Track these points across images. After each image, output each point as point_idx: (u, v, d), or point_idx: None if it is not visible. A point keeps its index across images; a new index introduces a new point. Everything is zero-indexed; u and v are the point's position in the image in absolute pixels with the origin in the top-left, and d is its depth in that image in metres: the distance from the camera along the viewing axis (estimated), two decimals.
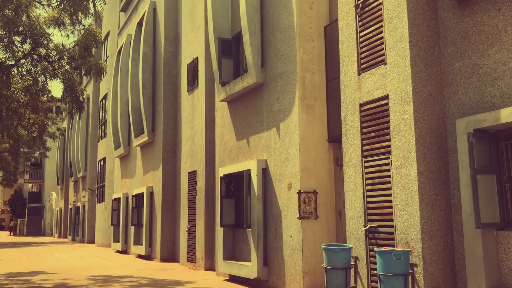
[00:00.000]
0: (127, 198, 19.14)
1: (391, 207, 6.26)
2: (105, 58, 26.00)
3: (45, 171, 49.02)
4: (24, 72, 10.01)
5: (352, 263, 6.72)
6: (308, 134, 8.40)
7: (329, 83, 8.68)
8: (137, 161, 18.20)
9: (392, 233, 6.21)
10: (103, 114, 25.96)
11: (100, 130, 26.56)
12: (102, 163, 25.49)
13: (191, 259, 13.03)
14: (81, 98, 11.31)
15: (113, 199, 20.62)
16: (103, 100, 26.17)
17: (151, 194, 16.17)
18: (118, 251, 19.57)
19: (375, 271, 6.38)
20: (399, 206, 6.11)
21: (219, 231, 10.58)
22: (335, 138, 8.51)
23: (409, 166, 6.01)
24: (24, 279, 10.88)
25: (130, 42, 19.24)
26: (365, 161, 6.73)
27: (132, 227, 17.55)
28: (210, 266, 12.22)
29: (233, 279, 10.10)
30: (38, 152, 38.07)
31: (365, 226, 6.61)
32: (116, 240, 20.16)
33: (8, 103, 9.98)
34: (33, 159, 37.64)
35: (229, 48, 11.04)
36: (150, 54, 16.82)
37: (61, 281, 10.52)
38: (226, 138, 11.04)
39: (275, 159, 8.98)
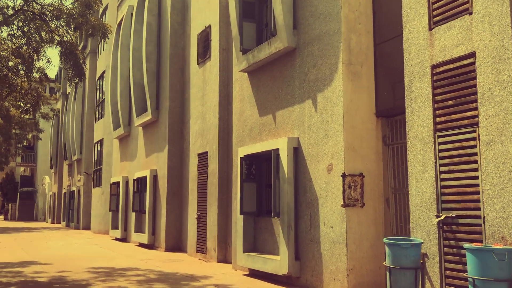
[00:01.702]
0: (127, 182, 17.78)
1: (477, 193, 4.98)
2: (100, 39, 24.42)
3: (38, 154, 47.44)
4: (15, 31, 8.59)
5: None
6: (353, 106, 7.07)
7: (377, 47, 7.34)
8: (139, 142, 16.82)
9: (480, 225, 4.94)
10: (100, 95, 24.48)
11: (97, 112, 25.08)
12: (99, 145, 24.06)
13: (201, 249, 11.76)
14: (81, 63, 9.87)
15: (111, 183, 19.26)
16: (100, 79, 24.66)
17: (154, 178, 14.82)
18: (117, 239, 18.27)
19: (451, 272, 5.12)
20: (490, 192, 4.83)
21: (238, 220, 9.28)
22: (384, 112, 7.20)
23: (506, 141, 4.71)
24: (14, 271, 9.56)
25: (132, 14, 17.74)
26: (439, 136, 5.42)
27: (133, 214, 16.24)
28: (224, 258, 10.96)
29: (254, 274, 8.84)
30: (30, 134, 36.50)
31: (438, 216, 5.34)
32: (114, 227, 18.84)
33: None
34: (25, 142, 36.09)
35: (252, 10, 9.65)
36: (154, 25, 15.35)
37: (57, 273, 9.21)
38: (246, 114, 9.70)
39: (310, 137, 7.66)
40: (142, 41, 15.66)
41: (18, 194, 46.94)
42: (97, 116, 25.12)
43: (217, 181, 11.20)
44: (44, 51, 9.19)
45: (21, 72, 9.23)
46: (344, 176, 6.83)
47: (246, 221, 9.18)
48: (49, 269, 9.87)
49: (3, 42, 8.87)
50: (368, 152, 7.12)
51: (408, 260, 5.15)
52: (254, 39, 9.55)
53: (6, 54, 8.82)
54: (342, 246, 6.78)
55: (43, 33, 8.84)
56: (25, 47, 8.87)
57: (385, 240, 5.43)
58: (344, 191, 6.81)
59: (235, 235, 9.73)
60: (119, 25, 19.48)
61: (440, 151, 5.40)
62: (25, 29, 8.65)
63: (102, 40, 23.91)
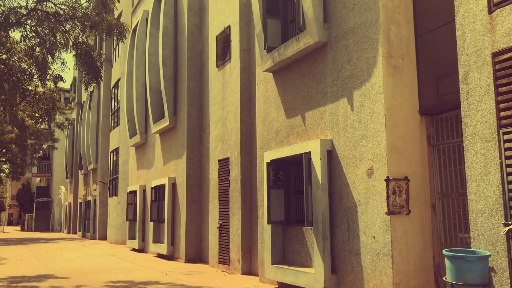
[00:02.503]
0: (144, 190, 17.27)
1: None
2: (117, 41, 24.13)
3: (53, 164, 47.44)
4: (28, 31, 8.11)
5: None
6: (395, 103, 6.43)
7: (419, 38, 6.69)
8: (156, 150, 16.31)
9: None
10: (115, 103, 24.13)
11: (112, 120, 24.72)
12: (114, 154, 23.67)
13: (224, 260, 11.14)
14: (98, 65, 9.36)
15: (128, 192, 18.77)
16: (115, 88, 24.33)
17: (173, 186, 14.28)
18: (134, 249, 17.74)
19: None
20: None
21: (266, 229, 8.65)
22: (428, 109, 6.55)
23: None
24: (30, 286, 9.04)
25: (147, 19, 17.35)
26: (505, 133, 4.75)
27: (151, 223, 15.69)
28: (248, 270, 10.33)
29: None
30: (46, 145, 36.39)
31: (507, 225, 4.65)
32: (131, 237, 18.32)
33: (8, 70, 8.09)
34: (41, 152, 35.99)
35: (276, 6, 9.08)
36: (171, 28, 14.88)
37: None
38: (271, 117, 9.10)
39: (346, 138, 7.02)
40: (158, 45, 15.21)
41: (34, 204, 46.94)
42: (112, 124, 24.77)
43: (240, 188, 10.60)
44: (58, 52, 8.71)
45: (35, 76, 8.79)
46: (388, 180, 6.17)
47: (274, 230, 8.54)
48: (66, 284, 9.34)
49: (15, 45, 8.44)
50: (412, 153, 6.46)
51: (475, 275, 4.47)
52: (279, 36, 8.97)
53: (21, 56, 8.35)
54: (387, 258, 6.11)
55: (57, 34, 8.36)
56: (38, 48, 8.41)
57: (445, 252, 4.75)
58: (388, 197, 6.15)
59: (261, 245, 9.10)
60: (134, 31, 19.10)
61: (506, 149, 4.73)
62: (39, 29, 8.19)
63: (118, 44, 23.65)
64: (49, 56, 8.49)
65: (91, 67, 9.04)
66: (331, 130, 7.37)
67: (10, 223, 68.34)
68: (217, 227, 11.56)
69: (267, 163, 8.61)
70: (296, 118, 8.29)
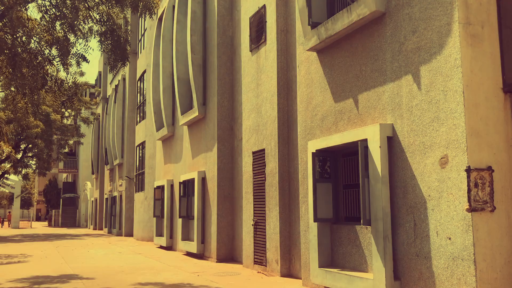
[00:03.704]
0: (172, 185, 16.52)
1: None
2: (142, 32, 23.48)
3: (79, 160, 47.53)
4: (47, 6, 7.33)
5: None
6: (475, 79, 5.38)
7: (501, 2, 5.62)
8: (184, 143, 15.52)
9: None
10: (141, 97, 23.51)
11: (138, 114, 24.12)
12: (140, 148, 23.06)
13: (260, 261, 10.24)
14: (124, 42, 8.53)
15: (155, 187, 18.08)
16: (140, 80, 23.70)
17: (203, 180, 13.45)
18: (161, 247, 17.04)
19: None
20: None
21: (311, 228, 7.70)
22: None
23: None
24: None
25: (174, 6, 16.57)
26: None
27: (180, 220, 14.92)
28: (288, 272, 9.41)
29: None
30: (72, 140, 36.23)
31: None
32: (159, 234, 17.62)
33: (28, 53, 7.36)
34: (67, 147, 35.83)
35: None
36: (199, 13, 14.02)
37: None
38: (316, 101, 8.12)
39: (412, 122, 6.00)
40: (187, 32, 14.40)
41: (61, 200, 47.11)
42: (138, 119, 24.18)
43: (278, 182, 9.68)
44: (82, 27, 7.93)
45: (56, 59, 8.04)
46: (469, 170, 5.14)
47: (321, 229, 7.58)
48: (90, 285, 8.59)
49: (35, 24, 7.70)
50: (496, 139, 5.40)
51: None
52: (325, 10, 7.99)
53: (42, 36, 7.59)
54: (468, 264, 5.09)
55: (80, 6, 7.56)
56: (58, 25, 7.63)
57: None
58: (469, 190, 5.11)
59: (305, 245, 8.16)
60: (160, 19, 18.36)
61: None
62: (58, 0, 7.43)
63: (143, 34, 22.98)
64: (71, 33, 7.70)
65: (117, 46, 8.24)
66: (391, 114, 6.36)
67: (38, 219, 69.24)
68: (252, 225, 10.67)
69: (313, 153, 7.64)
70: (346, 102, 7.30)
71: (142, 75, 23.07)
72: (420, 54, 5.90)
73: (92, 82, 42.07)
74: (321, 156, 7.62)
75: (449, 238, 5.34)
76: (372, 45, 6.76)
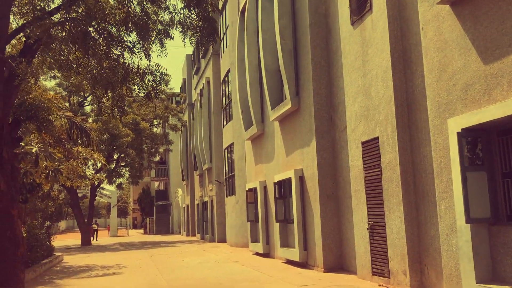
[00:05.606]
0: (265, 187, 15.24)
1: None
2: (224, 30, 22.65)
3: (169, 167, 48.41)
4: None
5: None
6: None
7: None
8: (276, 140, 14.17)
9: None
10: (226, 99, 22.68)
11: (224, 117, 23.32)
12: (229, 151, 22.18)
13: (380, 271, 8.51)
14: (211, 14, 7.34)
15: (247, 190, 16.93)
16: (224, 83, 22.89)
17: (301, 179, 11.96)
18: (257, 254, 15.80)
19: None
20: None
21: (461, 231, 5.87)
22: None
23: None
24: None
25: None
26: None
27: (277, 224, 13.56)
28: (420, 285, 7.60)
29: None
30: (162, 148, 36.65)
31: None
32: (254, 239, 16.42)
33: (106, 41, 6.46)
34: (157, 156, 36.31)
35: None
36: None
37: None
38: (454, 67, 6.29)
39: None
40: (274, 18, 13.06)
41: (154, 208, 48.27)
42: (224, 122, 23.38)
43: (400, 176, 7.91)
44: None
45: (137, 45, 7.06)
46: None
47: (475, 233, 5.74)
48: None
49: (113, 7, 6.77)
50: None
51: None
52: None
53: (118, 18, 6.62)
54: None
55: None
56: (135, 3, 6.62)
57: None
58: None
59: (449, 254, 6.34)
60: (243, 12, 17.26)
61: None
62: None
63: (224, 36, 22.17)
64: (157, 10, 6.63)
65: (205, 20, 7.03)
66: None
67: (134, 227, 72.23)
68: (367, 228, 8.97)
69: (458, 133, 5.83)
70: (504, 61, 5.41)
71: (227, 74, 22.23)
72: None
73: (177, 90, 42.52)
74: (469, 136, 5.79)
75: None
76: None
